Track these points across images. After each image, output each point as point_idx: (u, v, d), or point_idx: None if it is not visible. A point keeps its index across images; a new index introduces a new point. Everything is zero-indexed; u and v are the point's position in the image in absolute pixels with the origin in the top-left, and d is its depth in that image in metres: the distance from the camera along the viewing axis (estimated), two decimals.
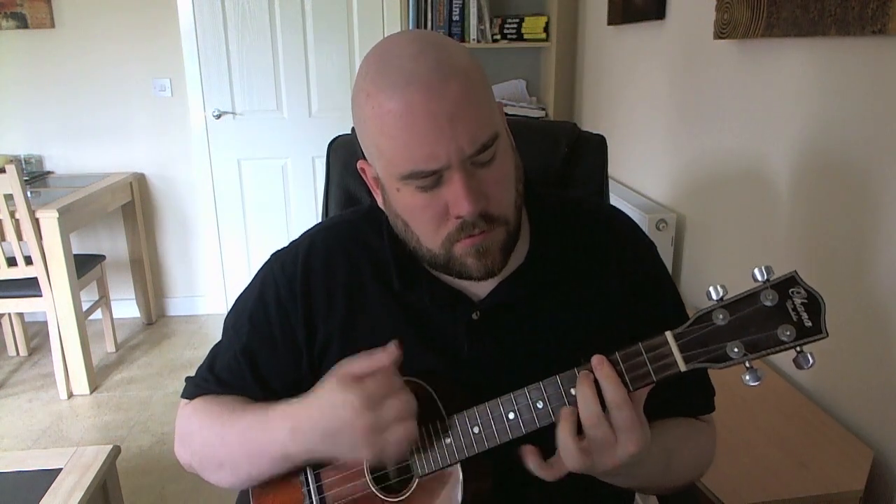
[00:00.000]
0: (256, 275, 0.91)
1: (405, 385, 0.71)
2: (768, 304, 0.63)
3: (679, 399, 0.85)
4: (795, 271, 0.63)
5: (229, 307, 0.93)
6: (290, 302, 0.85)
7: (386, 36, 0.74)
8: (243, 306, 0.90)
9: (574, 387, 0.68)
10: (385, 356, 0.71)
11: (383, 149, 0.71)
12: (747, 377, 0.65)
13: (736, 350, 0.64)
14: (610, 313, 0.83)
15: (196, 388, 0.90)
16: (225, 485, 0.84)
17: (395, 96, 0.67)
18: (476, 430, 0.72)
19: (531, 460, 0.69)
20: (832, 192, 1.37)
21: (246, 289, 0.91)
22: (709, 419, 0.91)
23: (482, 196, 0.71)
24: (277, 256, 0.90)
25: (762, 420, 1.35)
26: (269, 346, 0.86)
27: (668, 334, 0.66)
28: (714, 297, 0.65)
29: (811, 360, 0.62)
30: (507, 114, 0.81)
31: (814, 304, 0.62)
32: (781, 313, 0.62)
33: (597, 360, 0.67)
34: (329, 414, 0.71)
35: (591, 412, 0.66)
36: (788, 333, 0.62)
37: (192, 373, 0.93)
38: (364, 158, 0.79)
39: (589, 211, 0.91)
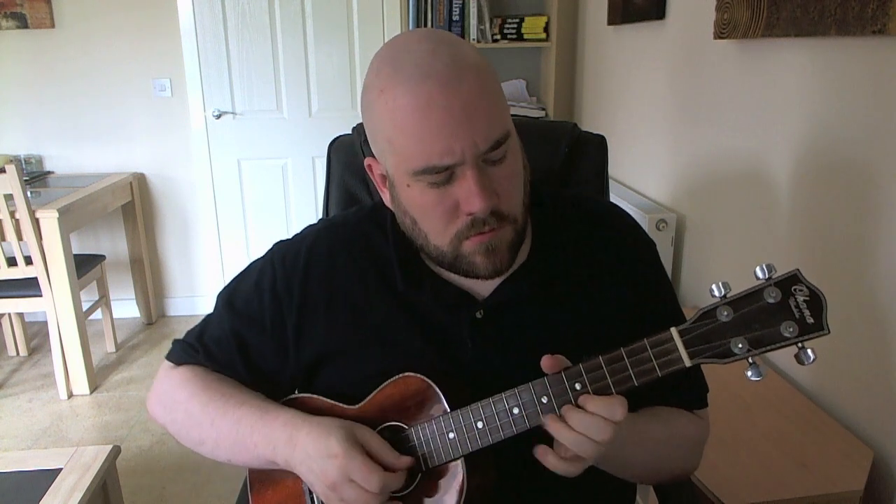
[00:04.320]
0: (257, 260, 0.91)
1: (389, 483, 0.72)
2: (771, 301, 0.64)
3: (672, 392, 0.86)
4: (798, 269, 0.64)
5: None
6: (286, 295, 0.85)
7: (395, 35, 0.75)
8: (238, 287, 0.90)
9: (578, 382, 0.69)
10: (396, 459, 0.73)
11: (396, 144, 0.71)
12: (750, 373, 0.66)
13: (740, 346, 0.65)
14: (611, 310, 0.84)
15: (184, 353, 0.90)
16: (198, 452, 0.87)
17: (412, 91, 0.67)
18: (480, 424, 0.73)
19: (549, 460, 0.70)
20: (832, 192, 1.37)
21: (245, 270, 0.91)
22: (703, 415, 0.91)
23: (493, 193, 0.72)
24: (280, 247, 0.90)
25: (762, 420, 1.35)
26: (258, 332, 0.87)
27: (674, 330, 0.67)
28: (717, 294, 0.66)
29: (812, 357, 0.64)
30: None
31: (816, 302, 0.63)
32: (784, 310, 0.64)
33: (549, 420, 0.69)
34: (318, 449, 0.74)
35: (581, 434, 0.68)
36: (791, 330, 0.63)
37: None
38: (370, 156, 0.79)
39: (590, 209, 0.91)
